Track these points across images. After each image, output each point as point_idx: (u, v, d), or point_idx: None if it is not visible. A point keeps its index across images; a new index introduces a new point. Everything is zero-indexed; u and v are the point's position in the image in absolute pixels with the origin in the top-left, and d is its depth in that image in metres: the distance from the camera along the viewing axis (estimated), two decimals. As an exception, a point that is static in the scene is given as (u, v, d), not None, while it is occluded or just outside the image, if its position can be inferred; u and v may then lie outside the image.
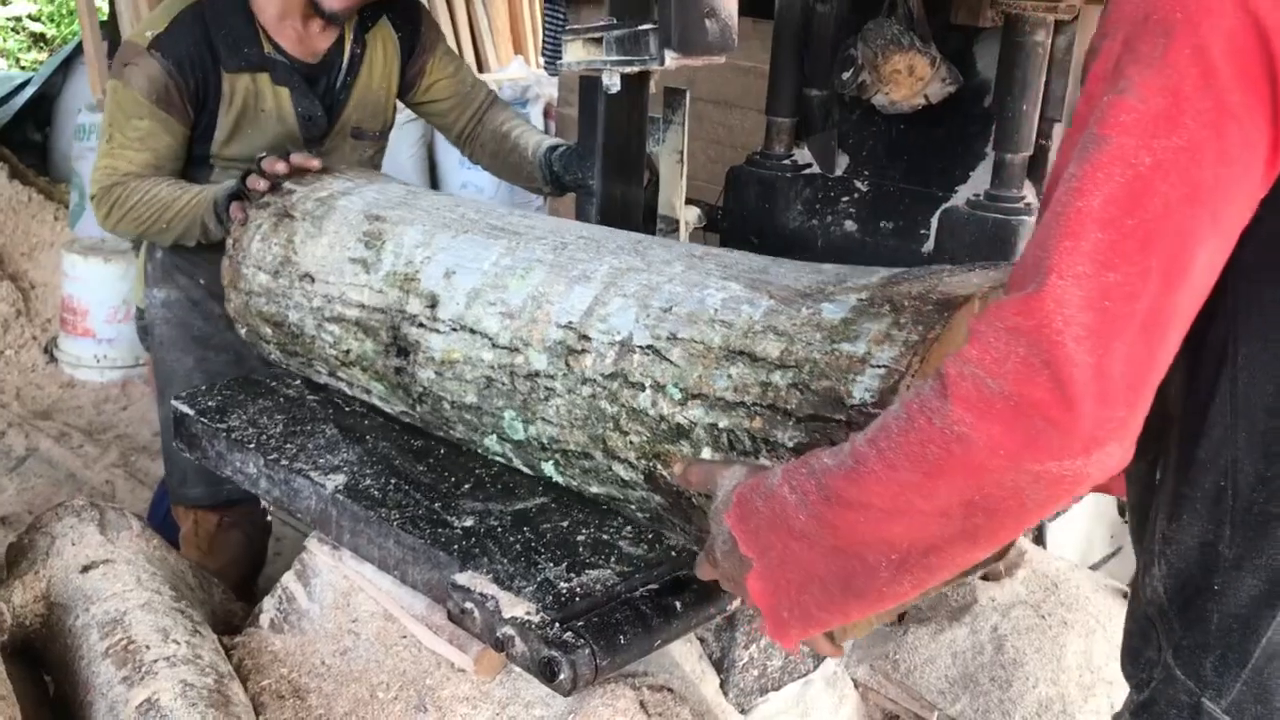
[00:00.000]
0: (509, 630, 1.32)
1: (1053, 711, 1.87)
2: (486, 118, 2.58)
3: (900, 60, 1.92)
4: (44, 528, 1.91)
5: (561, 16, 4.56)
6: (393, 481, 1.63)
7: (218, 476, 1.86)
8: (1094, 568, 2.44)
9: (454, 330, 1.62)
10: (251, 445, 1.73)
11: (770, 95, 2.16)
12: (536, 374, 1.51)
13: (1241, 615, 1.07)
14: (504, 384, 1.56)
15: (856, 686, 1.89)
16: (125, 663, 1.55)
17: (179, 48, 2.19)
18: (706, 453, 1.35)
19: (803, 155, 2.18)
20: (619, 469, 1.46)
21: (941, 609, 2.01)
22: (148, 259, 2.43)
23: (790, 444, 1.26)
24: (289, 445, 1.73)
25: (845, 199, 2.11)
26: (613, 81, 1.69)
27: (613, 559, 1.44)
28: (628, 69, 1.67)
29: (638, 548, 1.47)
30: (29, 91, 5.54)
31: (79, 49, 5.17)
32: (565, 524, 1.52)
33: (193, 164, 2.30)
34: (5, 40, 8.32)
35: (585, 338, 1.48)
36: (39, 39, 8.50)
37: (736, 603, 1.47)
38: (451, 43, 5.21)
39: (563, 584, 1.37)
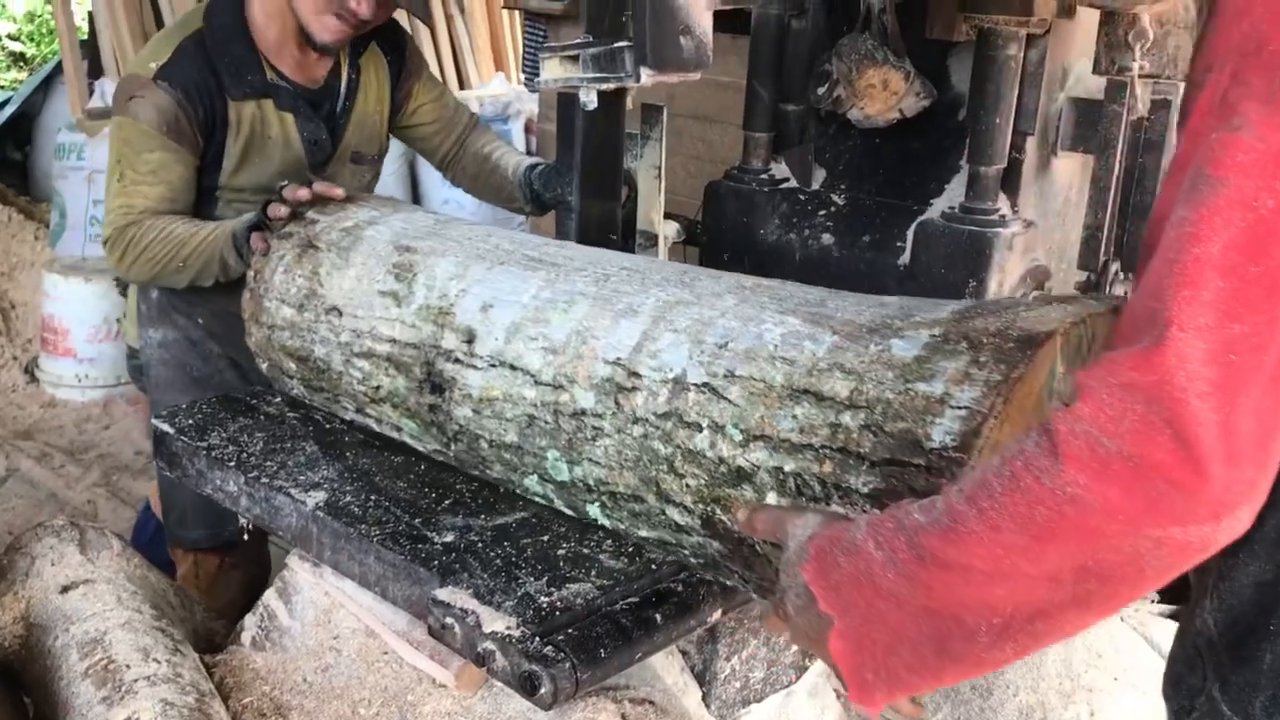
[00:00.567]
0: (489, 645, 1.33)
1: (1033, 719, 1.89)
2: (469, 141, 2.59)
3: (875, 75, 1.94)
4: (23, 548, 1.90)
5: (542, 33, 4.58)
6: (373, 498, 1.63)
7: (220, 517, 1.81)
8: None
9: (493, 366, 1.56)
10: (232, 463, 1.73)
11: (747, 110, 2.17)
12: (583, 412, 1.46)
13: None
14: (547, 422, 1.50)
15: (839, 698, 1.90)
16: (105, 682, 1.55)
17: (185, 76, 2.16)
18: (771, 498, 1.28)
19: (780, 170, 2.19)
20: (673, 513, 1.40)
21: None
22: (141, 298, 2.40)
23: (865, 489, 1.20)
24: (269, 463, 1.73)
25: (822, 213, 2.12)
26: (590, 99, 1.70)
27: (593, 573, 1.44)
28: (604, 86, 1.67)
29: (618, 561, 1.48)
30: (9, 111, 5.54)
31: (59, 68, 5.17)
32: (545, 538, 1.52)
33: (199, 197, 2.26)
34: (-15, 60, 8.32)
35: (635, 374, 1.42)
36: (18, 58, 8.49)
37: (717, 615, 1.47)
38: (433, 60, 5.25)
39: (543, 598, 1.38)
